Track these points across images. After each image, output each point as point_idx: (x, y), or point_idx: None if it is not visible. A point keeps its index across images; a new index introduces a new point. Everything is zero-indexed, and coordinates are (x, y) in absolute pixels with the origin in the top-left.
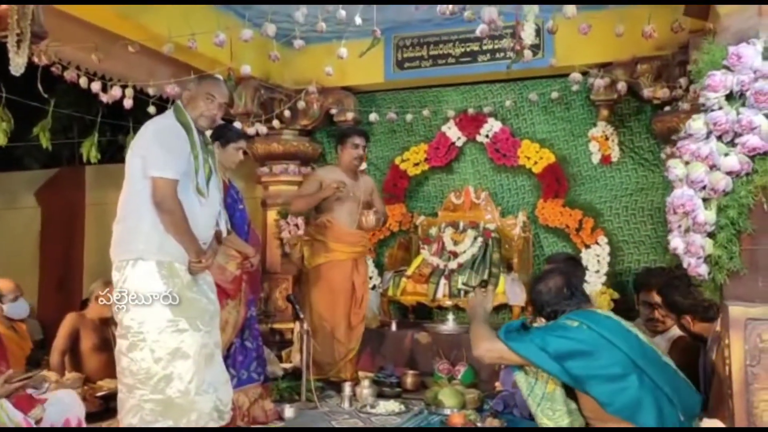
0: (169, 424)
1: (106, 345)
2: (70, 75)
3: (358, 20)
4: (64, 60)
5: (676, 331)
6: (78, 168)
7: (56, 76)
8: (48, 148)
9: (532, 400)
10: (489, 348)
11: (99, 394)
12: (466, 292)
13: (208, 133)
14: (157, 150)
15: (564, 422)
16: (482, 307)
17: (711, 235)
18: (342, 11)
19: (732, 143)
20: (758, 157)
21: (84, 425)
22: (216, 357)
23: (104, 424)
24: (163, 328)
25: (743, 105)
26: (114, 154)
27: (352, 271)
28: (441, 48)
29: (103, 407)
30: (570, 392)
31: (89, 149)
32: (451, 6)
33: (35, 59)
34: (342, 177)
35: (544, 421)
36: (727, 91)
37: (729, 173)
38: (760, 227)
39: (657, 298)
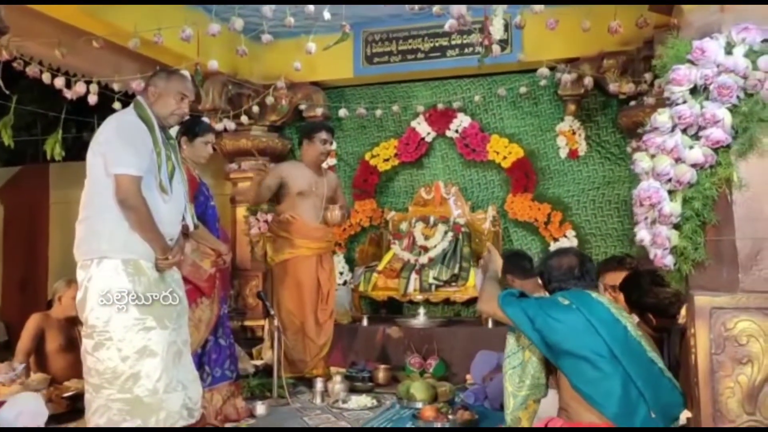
0: (137, 423)
1: (72, 345)
2: (32, 70)
3: (326, 15)
4: (27, 55)
5: (635, 318)
6: (42, 165)
7: (18, 71)
8: (10, 145)
9: (509, 362)
10: (485, 305)
11: (66, 394)
12: (437, 287)
13: (173, 130)
14: (119, 147)
15: (521, 393)
16: (491, 266)
17: (676, 226)
18: (310, 6)
19: (696, 136)
20: (722, 149)
21: None
22: (185, 355)
23: (72, 425)
24: (130, 326)
25: (707, 99)
26: (79, 151)
27: (317, 266)
28: (410, 43)
29: (71, 408)
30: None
31: (53, 146)
32: None
33: None
34: (306, 172)
35: (506, 385)
36: (691, 85)
37: (693, 166)
38: (724, 218)
39: (606, 280)
